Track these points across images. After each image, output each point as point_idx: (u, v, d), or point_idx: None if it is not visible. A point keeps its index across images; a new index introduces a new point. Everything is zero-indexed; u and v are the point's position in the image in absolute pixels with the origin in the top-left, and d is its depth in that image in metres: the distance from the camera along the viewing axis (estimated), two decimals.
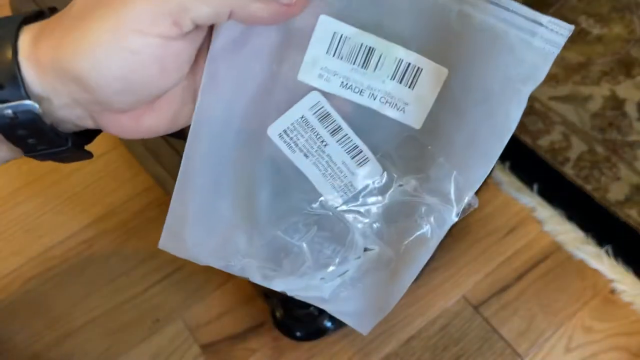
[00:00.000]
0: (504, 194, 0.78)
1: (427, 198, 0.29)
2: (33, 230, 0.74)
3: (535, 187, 0.78)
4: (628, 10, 0.96)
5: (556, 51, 0.25)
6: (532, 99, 0.88)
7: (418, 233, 0.29)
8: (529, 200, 0.77)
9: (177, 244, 0.30)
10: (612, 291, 0.70)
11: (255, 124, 0.28)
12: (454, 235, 0.72)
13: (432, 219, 0.29)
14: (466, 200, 0.28)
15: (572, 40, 0.92)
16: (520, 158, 0.80)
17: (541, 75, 0.25)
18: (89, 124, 0.27)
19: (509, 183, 0.78)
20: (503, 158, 0.80)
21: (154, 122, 0.27)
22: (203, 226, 0.30)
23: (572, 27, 0.25)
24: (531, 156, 0.81)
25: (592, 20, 0.95)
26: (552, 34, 0.25)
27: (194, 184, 0.28)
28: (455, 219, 0.29)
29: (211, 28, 0.26)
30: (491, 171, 0.84)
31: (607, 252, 0.73)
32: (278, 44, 0.26)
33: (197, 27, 0.24)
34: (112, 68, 0.23)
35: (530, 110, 0.86)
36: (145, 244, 0.73)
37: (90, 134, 0.29)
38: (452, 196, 0.28)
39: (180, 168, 0.28)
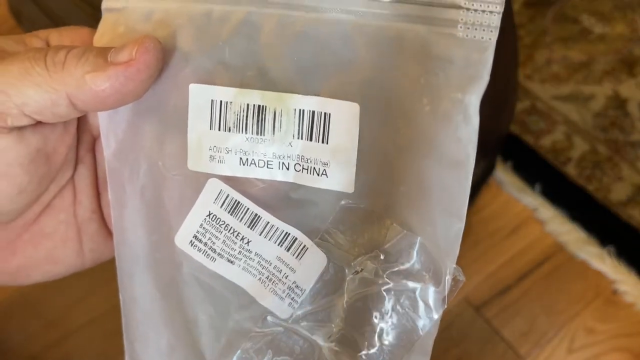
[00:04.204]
0: (506, 194, 0.77)
1: (395, 282, 0.22)
2: None
3: (537, 187, 0.77)
4: (630, 8, 0.95)
5: (493, 37, 0.19)
6: (534, 98, 0.88)
7: (400, 333, 0.22)
8: (531, 201, 0.76)
9: None
10: (615, 292, 0.70)
11: (163, 239, 0.23)
12: None
13: (412, 310, 0.22)
14: (448, 273, 0.22)
15: (574, 39, 0.92)
16: (522, 158, 0.80)
17: (483, 72, 0.19)
18: None
19: (511, 183, 0.78)
20: (505, 158, 0.79)
21: (26, 261, 0.24)
22: None
23: None
24: (533, 156, 0.81)
25: (594, 19, 0.94)
26: (479, 15, 0.19)
27: (136, 320, 0.24)
28: (443, 304, 0.22)
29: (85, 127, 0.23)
30: (493, 172, 0.82)
31: (609, 252, 0.72)
32: (156, 136, 0.22)
33: (37, 124, 0.20)
34: None
35: (532, 110, 0.85)
36: None
37: None
38: (425, 271, 0.22)
39: (121, 305, 0.25)
